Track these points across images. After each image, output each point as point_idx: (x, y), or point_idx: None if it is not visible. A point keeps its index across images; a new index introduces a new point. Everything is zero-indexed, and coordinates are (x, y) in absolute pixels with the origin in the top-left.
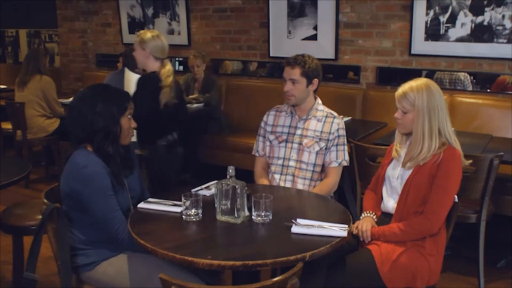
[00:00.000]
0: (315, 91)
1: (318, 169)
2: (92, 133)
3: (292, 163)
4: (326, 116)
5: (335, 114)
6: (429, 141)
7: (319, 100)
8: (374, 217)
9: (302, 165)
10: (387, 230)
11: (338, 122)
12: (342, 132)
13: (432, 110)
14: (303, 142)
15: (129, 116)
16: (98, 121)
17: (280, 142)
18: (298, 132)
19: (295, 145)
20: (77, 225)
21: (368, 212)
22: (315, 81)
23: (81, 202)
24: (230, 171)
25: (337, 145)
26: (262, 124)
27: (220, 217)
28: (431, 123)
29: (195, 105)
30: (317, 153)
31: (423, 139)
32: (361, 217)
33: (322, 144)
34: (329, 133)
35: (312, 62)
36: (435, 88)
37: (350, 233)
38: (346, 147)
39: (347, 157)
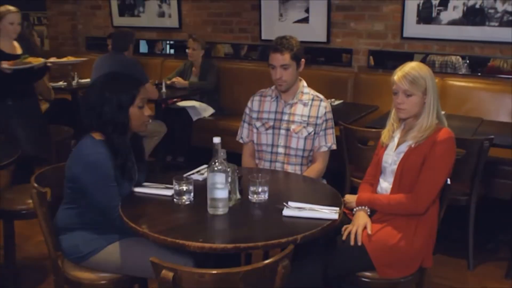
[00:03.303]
0: None
1: (307, 154)
2: (101, 124)
3: (280, 149)
4: (313, 99)
5: (321, 96)
6: (431, 119)
7: (304, 83)
8: (368, 210)
9: (291, 151)
10: (376, 198)
11: (325, 105)
12: (330, 115)
13: (435, 90)
14: (291, 128)
15: (140, 105)
16: (106, 112)
17: (267, 129)
18: (285, 117)
19: (283, 131)
20: (79, 208)
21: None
22: (302, 61)
23: (82, 188)
24: (222, 154)
25: (325, 129)
26: (247, 111)
27: None
28: (434, 102)
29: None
30: (305, 138)
31: (431, 115)
32: (353, 211)
33: (310, 129)
34: (317, 117)
35: (297, 43)
36: (431, 71)
37: (341, 215)
38: (334, 130)
39: (335, 141)
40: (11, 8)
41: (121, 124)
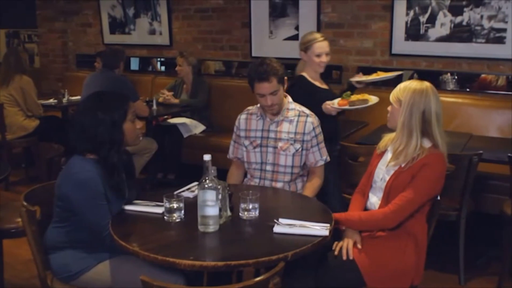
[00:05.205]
0: None
1: (296, 170)
2: (98, 145)
3: (269, 167)
4: (299, 115)
5: (307, 112)
6: (408, 138)
7: (289, 99)
8: None
9: (280, 168)
10: (349, 215)
11: (312, 121)
12: (319, 129)
13: (416, 109)
14: (278, 146)
15: (131, 119)
16: (102, 132)
17: (254, 147)
18: (272, 135)
19: (270, 149)
20: (69, 227)
21: None
22: (286, 79)
23: (72, 206)
24: (212, 171)
25: (317, 144)
26: (235, 129)
27: None
28: (411, 120)
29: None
30: (293, 155)
31: (401, 134)
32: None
33: (298, 145)
34: (304, 133)
35: (278, 64)
36: (428, 91)
37: (332, 232)
38: (324, 143)
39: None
40: (318, 35)
41: (118, 141)
